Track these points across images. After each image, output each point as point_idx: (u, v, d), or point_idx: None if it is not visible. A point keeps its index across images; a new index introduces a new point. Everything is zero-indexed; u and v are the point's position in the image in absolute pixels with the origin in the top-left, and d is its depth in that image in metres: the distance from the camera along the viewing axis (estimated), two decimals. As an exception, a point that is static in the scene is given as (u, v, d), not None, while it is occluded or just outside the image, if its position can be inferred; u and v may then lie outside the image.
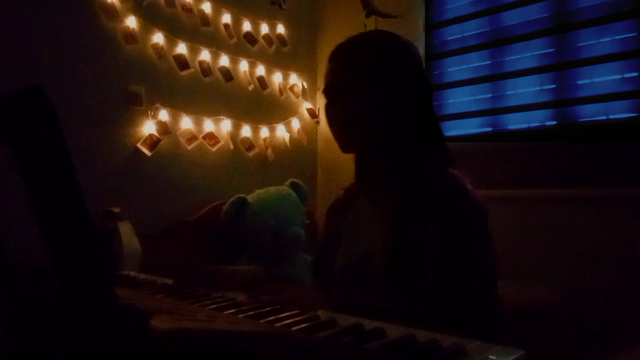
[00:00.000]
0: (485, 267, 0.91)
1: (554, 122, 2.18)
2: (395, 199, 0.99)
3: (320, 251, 1.22)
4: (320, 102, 2.94)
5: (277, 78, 2.73)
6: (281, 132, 2.74)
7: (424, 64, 1.08)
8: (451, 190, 0.93)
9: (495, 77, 2.34)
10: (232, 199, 2.20)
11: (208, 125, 2.44)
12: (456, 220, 0.90)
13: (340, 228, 1.11)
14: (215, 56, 2.49)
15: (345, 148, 1.04)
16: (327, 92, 1.04)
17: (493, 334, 0.87)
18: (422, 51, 2.56)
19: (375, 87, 0.99)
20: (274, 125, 2.72)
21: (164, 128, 2.28)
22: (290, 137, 2.76)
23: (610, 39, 2.02)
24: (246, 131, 2.58)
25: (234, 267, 1.09)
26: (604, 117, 2.04)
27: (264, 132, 2.66)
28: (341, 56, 1.03)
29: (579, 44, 2.10)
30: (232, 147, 2.52)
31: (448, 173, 0.96)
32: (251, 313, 0.75)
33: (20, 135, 0.47)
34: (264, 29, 2.70)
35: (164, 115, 2.29)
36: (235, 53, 2.57)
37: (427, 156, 1.00)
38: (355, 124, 1.00)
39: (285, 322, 0.70)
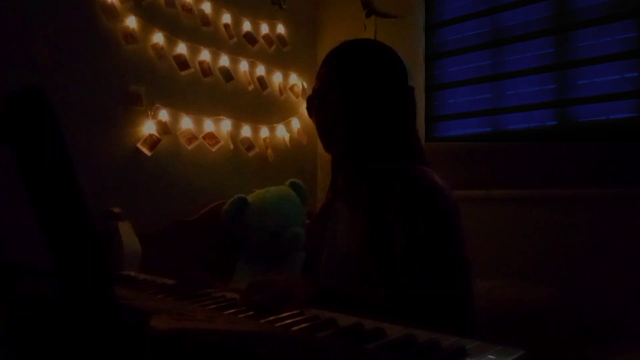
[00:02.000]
0: (454, 263, 0.92)
1: (554, 122, 2.18)
2: (367, 200, 1.01)
3: (307, 256, 1.25)
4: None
5: (277, 78, 2.73)
6: (281, 132, 2.74)
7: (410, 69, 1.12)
8: (420, 188, 0.94)
9: (495, 77, 2.35)
10: (232, 199, 2.20)
11: (208, 125, 2.44)
12: (424, 218, 0.92)
13: (323, 232, 1.13)
14: (215, 56, 2.49)
15: (330, 148, 1.06)
16: (321, 93, 1.05)
17: (464, 329, 0.88)
18: (422, 51, 2.57)
19: (367, 93, 1.01)
20: (274, 125, 2.72)
21: (164, 128, 2.28)
22: (290, 137, 2.76)
23: (610, 39, 2.02)
24: (246, 131, 2.58)
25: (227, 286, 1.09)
26: (604, 117, 2.04)
27: (264, 132, 2.66)
28: (339, 60, 1.05)
29: (579, 44, 2.11)
30: (232, 147, 2.52)
31: (419, 171, 0.98)
32: (251, 313, 0.75)
33: (21, 135, 0.47)
34: (264, 29, 2.70)
35: (164, 115, 2.29)
36: (235, 53, 2.57)
37: (402, 157, 1.03)
38: (345, 126, 1.01)
39: (285, 322, 0.70)
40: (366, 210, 1.01)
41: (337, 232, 1.09)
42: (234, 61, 2.56)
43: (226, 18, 2.55)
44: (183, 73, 2.36)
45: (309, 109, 1.11)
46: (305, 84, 2.85)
